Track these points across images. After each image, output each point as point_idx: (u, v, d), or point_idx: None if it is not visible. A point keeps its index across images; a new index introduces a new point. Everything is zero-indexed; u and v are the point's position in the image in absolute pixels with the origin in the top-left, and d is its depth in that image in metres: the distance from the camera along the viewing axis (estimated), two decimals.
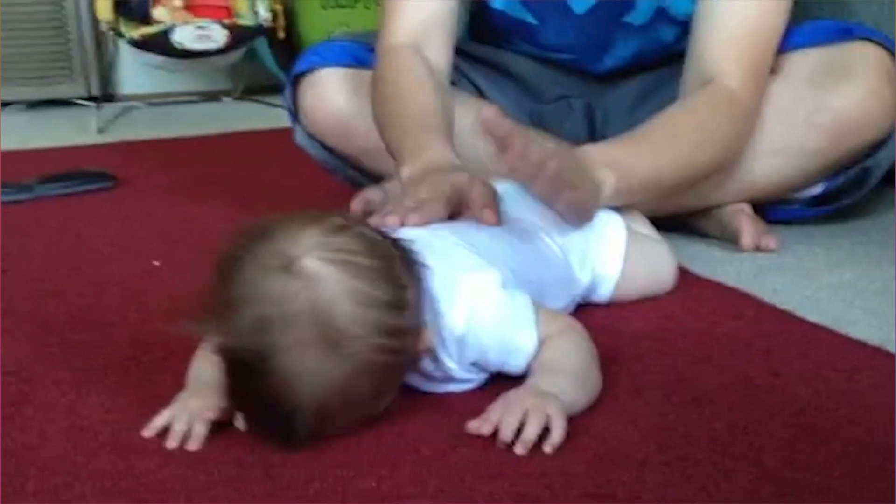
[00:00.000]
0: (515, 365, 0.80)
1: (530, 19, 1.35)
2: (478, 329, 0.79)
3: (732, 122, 1.16)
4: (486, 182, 0.97)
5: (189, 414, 0.75)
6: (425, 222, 0.89)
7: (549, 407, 0.72)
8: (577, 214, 0.98)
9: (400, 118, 1.15)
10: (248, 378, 0.69)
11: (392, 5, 1.27)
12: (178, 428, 0.74)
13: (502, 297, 0.81)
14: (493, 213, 0.93)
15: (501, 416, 0.72)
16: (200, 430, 0.74)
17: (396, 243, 0.77)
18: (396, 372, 0.74)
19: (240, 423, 0.74)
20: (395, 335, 0.71)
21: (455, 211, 0.94)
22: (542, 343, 0.80)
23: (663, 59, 1.36)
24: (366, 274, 0.71)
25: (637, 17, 1.32)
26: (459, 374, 0.81)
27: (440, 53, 1.25)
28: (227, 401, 0.73)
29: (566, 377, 0.78)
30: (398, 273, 0.74)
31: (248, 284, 0.69)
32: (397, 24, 1.25)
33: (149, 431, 0.75)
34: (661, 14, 1.31)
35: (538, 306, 0.83)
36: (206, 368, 0.77)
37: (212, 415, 0.74)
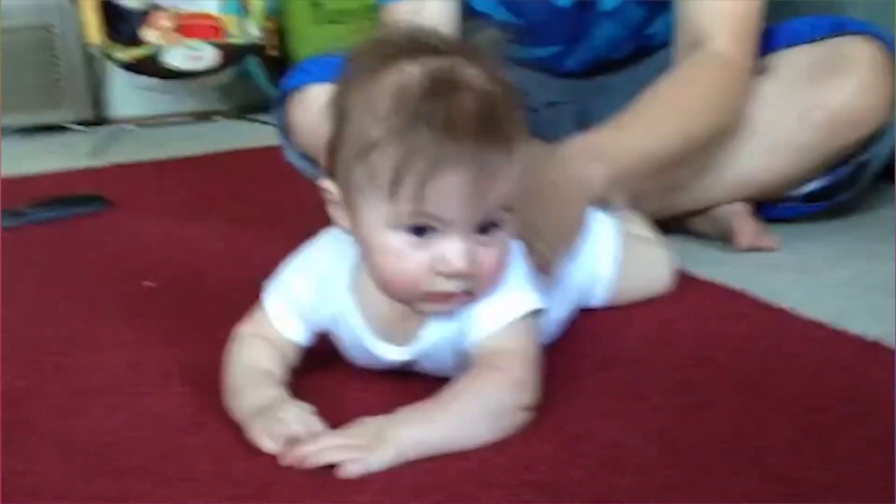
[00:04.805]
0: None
1: (513, 19, 1.36)
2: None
3: (722, 82, 1.15)
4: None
5: (301, 421, 0.74)
6: None
7: (371, 456, 0.70)
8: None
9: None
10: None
11: None
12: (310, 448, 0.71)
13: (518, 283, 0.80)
14: None
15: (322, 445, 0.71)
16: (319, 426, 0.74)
17: None
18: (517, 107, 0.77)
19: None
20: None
21: None
22: (490, 350, 0.76)
23: (641, 50, 1.35)
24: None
25: (607, 2, 1.31)
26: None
27: (440, 15, 1.24)
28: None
29: (445, 420, 0.73)
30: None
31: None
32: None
33: (291, 460, 0.71)
34: None
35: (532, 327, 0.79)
36: (260, 354, 0.81)
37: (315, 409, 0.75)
